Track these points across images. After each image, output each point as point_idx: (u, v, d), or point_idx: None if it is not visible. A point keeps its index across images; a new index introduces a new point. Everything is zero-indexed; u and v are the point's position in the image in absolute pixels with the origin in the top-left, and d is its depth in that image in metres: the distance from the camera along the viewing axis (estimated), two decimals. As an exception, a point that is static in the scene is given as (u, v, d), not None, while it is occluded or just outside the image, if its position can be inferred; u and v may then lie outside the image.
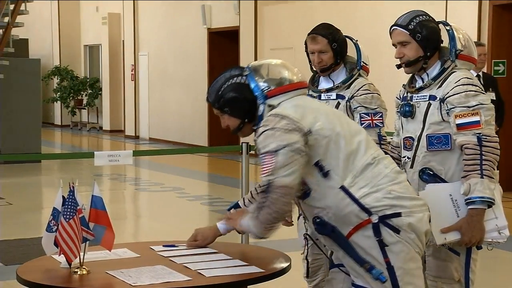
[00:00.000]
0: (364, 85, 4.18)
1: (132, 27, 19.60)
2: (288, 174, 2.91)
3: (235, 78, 3.14)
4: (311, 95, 4.17)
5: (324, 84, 4.29)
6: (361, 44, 4.33)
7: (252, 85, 3.11)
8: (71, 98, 22.33)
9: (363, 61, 4.27)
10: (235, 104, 3.11)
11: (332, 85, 4.23)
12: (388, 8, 11.45)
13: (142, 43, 19.44)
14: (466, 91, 3.47)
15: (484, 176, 3.36)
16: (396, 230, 2.94)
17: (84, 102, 22.42)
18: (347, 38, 4.26)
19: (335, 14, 12.39)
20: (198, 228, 3.50)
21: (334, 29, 4.21)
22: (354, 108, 4.16)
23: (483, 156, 3.38)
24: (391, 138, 3.92)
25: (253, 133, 3.17)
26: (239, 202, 3.47)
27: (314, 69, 4.28)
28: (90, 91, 22.20)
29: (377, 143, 3.88)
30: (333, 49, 4.15)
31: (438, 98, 3.51)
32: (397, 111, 3.74)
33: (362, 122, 4.10)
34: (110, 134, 20.92)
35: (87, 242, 3.03)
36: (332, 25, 4.24)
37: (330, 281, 3.23)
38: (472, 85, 3.49)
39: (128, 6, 19.72)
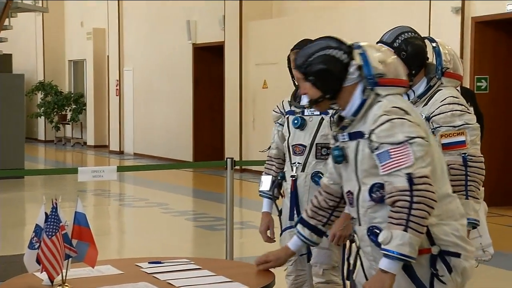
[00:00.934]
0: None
1: (117, 42, 19.58)
2: (426, 165, 2.72)
3: (331, 50, 2.88)
4: (293, 111, 4.15)
5: (306, 99, 4.23)
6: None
7: (364, 65, 2.85)
8: (55, 113, 22.26)
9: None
10: (322, 76, 2.88)
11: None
12: (373, 23, 11.50)
13: (127, 58, 19.42)
14: (452, 111, 3.46)
15: (469, 197, 3.36)
16: (449, 270, 2.82)
17: (68, 117, 22.34)
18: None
19: (320, 29, 12.40)
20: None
21: (318, 45, 4.18)
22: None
23: (468, 177, 3.38)
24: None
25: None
26: (302, 215, 3.24)
27: (297, 83, 4.24)
28: (75, 106, 22.14)
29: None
30: (317, 65, 4.11)
31: (424, 117, 3.49)
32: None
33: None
34: (94, 150, 20.84)
35: (70, 259, 3.00)
36: (316, 41, 4.22)
37: None
38: (458, 104, 3.49)
39: (113, 21, 19.71)
